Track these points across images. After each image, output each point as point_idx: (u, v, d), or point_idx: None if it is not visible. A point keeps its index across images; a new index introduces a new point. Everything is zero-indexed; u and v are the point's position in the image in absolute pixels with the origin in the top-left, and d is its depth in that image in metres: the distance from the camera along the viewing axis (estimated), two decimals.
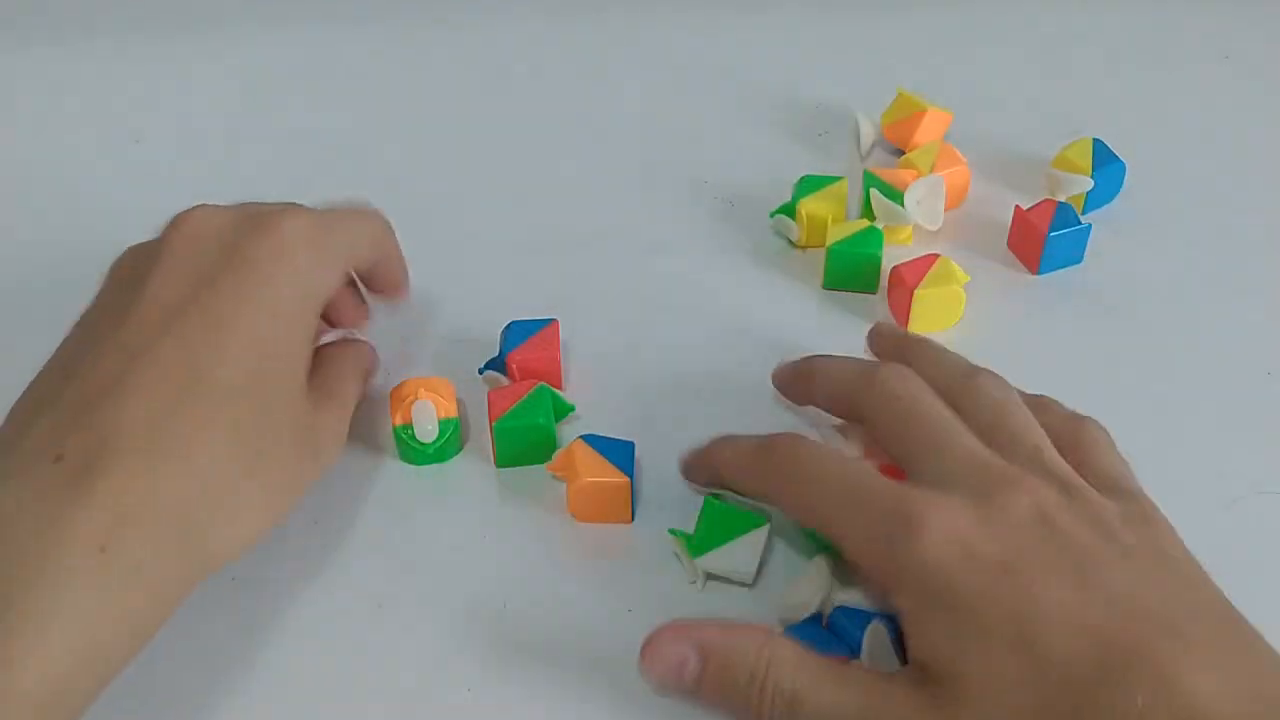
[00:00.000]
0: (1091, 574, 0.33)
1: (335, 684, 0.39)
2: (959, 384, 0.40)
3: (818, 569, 0.40)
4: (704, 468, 0.43)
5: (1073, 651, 0.31)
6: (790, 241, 0.54)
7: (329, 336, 0.46)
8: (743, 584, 0.41)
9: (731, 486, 0.41)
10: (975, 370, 0.41)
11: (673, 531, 0.42)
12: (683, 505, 0.44)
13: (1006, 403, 0.39)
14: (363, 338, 0.47)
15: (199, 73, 0.66)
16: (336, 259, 0.41)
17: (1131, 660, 0.30)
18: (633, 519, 0.43)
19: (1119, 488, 0.37)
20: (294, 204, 0.42)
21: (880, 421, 0.39)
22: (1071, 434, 0.39)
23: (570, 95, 0.64)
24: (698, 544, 0.41)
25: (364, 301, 0.46)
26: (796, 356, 0.45)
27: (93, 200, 0.58)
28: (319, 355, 0.43)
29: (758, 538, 0.41)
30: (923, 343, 0.44)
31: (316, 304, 0.41)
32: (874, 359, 0.45)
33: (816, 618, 0.39)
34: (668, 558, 0.42)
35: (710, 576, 0.41)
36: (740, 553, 0.41)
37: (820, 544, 0.40)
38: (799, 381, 0.44)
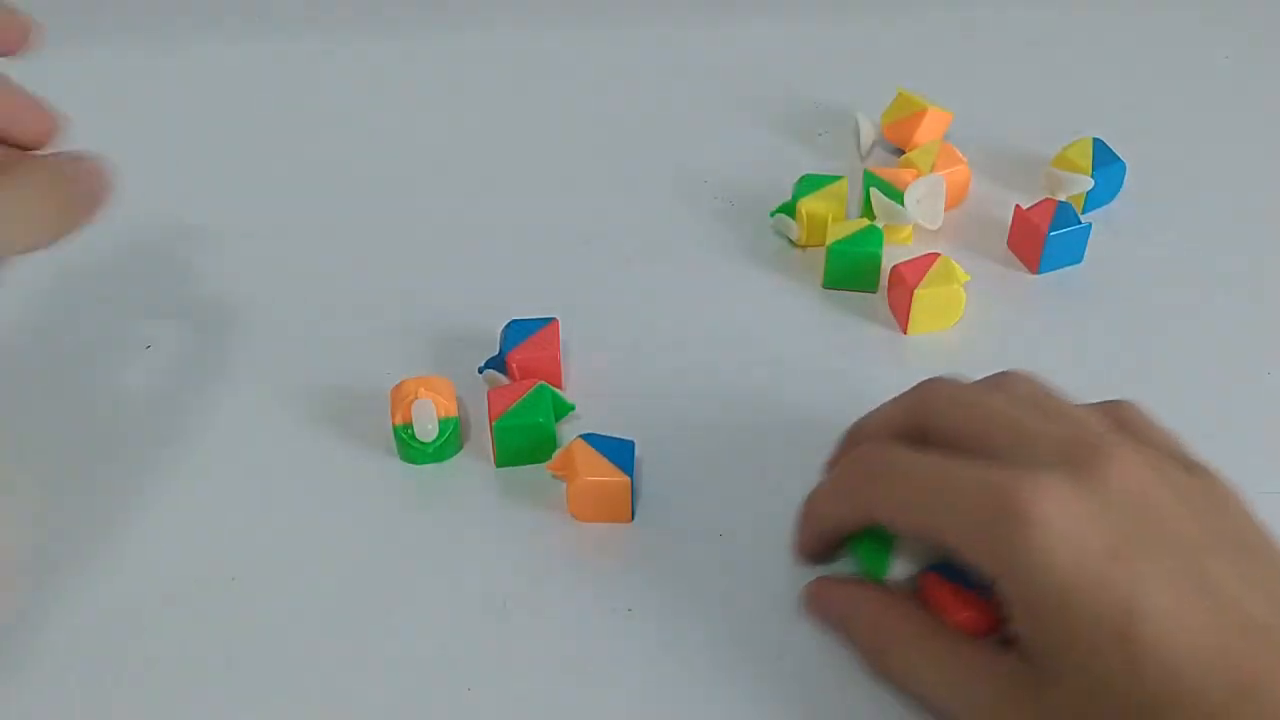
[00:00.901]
0: (1191, 564, 0.32)
1: (335, 683, 0.39)
2: (993, 382, 0.40)
3: None
4: (810, 536, 0.41)
5: (1174, 658, 0.31)
6: (790, 241, 0.54)
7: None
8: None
9: (836, 531, 0.40)
10: (1000, 373, 0.41)
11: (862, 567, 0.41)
12: (683, 504, 0.44)
13: (1050, 393, 0.39)
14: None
15: (202, 75, 0.66)
16: None
17: (1234, 682, 0.30)
18: (633, 518, 0.43)
19: (1186, 462, 0.37)
20: None
21: (950, 428, 0.38)
22: (1114, 416, 0.38)
23: (570, 95, 0.64)
24: (878, 568, 0.39)
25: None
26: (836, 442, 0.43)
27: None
28: None
29: None
30: (933, 382, 0.41)
31: None
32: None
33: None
34: (668, 557, 0.42)
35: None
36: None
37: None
38: (848, 447, 0.42)
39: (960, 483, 0.35)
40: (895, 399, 0.41)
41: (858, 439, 0.42)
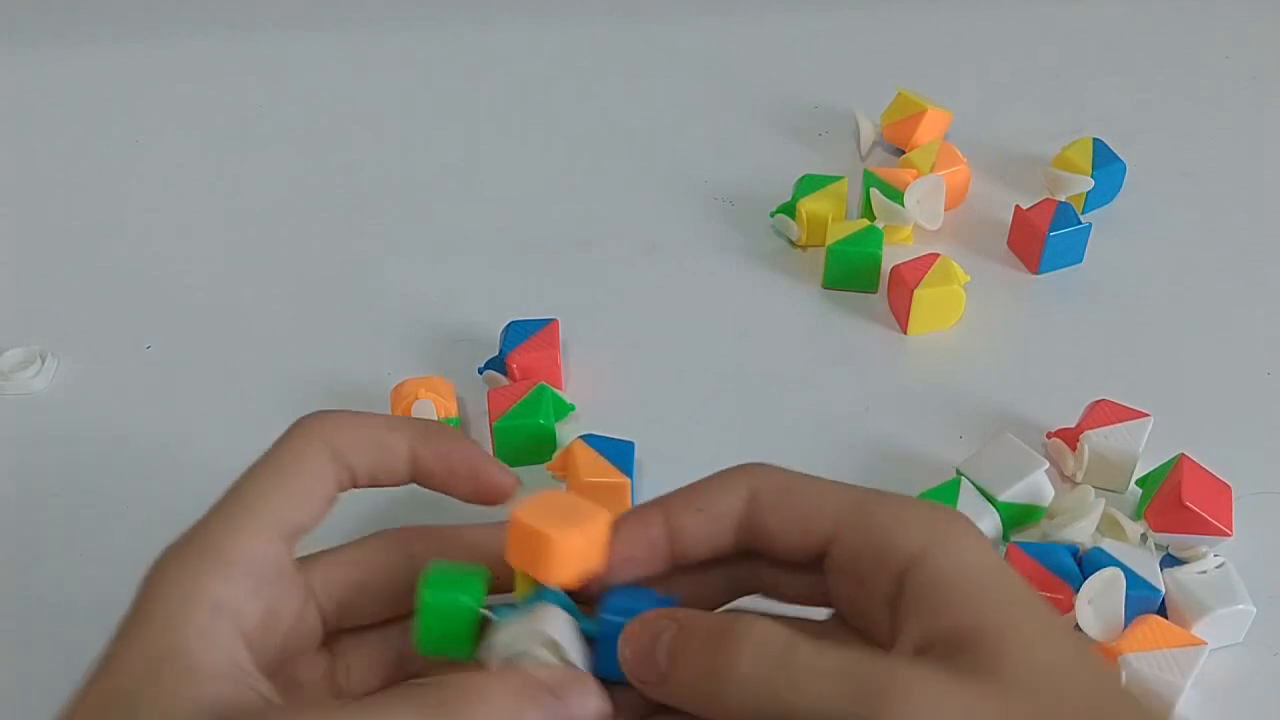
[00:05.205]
0: None
1: None
2: None
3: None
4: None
5: None
6: (790, 241, 0.54)
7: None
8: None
9: None
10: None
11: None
12: None
13: None
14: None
15: (201, 74, 0.66)
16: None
17: None
18: None
19: None
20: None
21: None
22: None
23: (570, 96, 0.64)
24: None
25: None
26: None
27: (94, 195, 0.58)
28: None
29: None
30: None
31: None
32: None
33: None
34: None
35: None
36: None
37: None
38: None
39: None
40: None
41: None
